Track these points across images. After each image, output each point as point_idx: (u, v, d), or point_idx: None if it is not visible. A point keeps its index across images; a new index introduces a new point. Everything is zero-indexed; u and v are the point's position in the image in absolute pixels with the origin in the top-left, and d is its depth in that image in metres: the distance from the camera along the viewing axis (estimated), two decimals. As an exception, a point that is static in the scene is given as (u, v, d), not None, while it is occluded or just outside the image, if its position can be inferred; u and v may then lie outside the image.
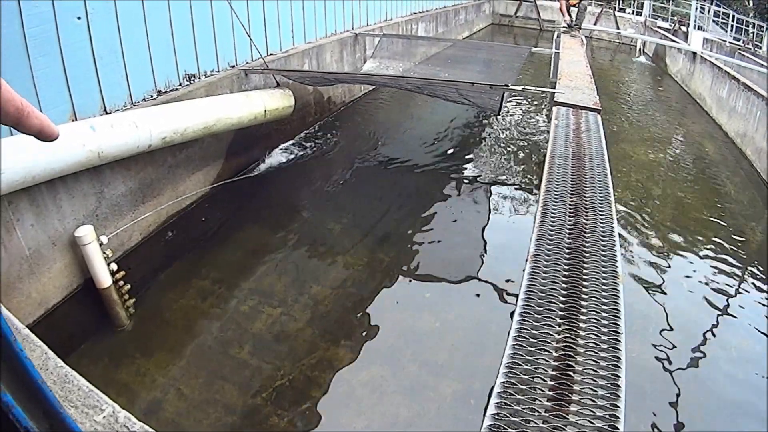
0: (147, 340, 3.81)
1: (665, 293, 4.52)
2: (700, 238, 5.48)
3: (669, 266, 4.94)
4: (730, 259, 5.12)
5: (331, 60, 8.19)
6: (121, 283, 3.96)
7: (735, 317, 4.36)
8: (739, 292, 4.68)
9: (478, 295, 4.36)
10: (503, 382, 1.87)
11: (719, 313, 4.37)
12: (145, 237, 4.76)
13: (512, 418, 1.74)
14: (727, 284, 4.75)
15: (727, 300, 4.54)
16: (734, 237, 5.55)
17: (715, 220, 5.94)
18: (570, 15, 11.10)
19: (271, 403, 3.31)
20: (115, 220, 4.38)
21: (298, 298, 4.25)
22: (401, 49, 9.41)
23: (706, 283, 4.75)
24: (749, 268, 5.07)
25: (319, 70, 7.67)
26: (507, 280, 4.49)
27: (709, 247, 5.32)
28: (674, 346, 3.90)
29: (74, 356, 3.51)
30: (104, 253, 3.85)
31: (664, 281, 4.69)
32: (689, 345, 3.96)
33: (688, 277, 4.82)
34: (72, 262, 4.00)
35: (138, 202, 4.62)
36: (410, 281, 4.52)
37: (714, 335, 4.12)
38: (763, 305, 4.50)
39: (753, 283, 4.84)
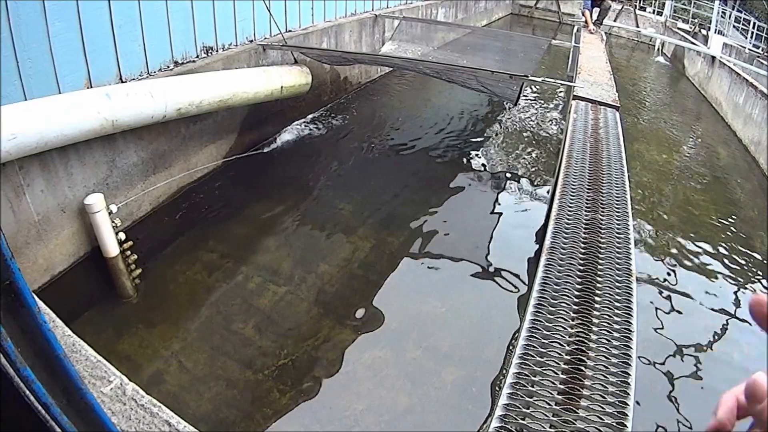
0: (151, 311, 3.81)
1: (670, 295, 4.50)
2: (707, 242, 5.42)
3: (675, 268, 4.91)
4: (736, 266, 5.08)
5: (349, 40, 8.11)
6: (128, 253, 3.96)
7: (738, 322, 4.33)
8: (745, 296, 4.65)
9: (485, 284, 4.34)
10: (516, 373, 1.85)
11: (723, 317, 4.35)
12: (154, 208, 4.75)
13: (523, 410, 1.72)
14: (731, 290, 4.72)
15: (730, 305, 4.51)
16: (741, 244, 5.50)
17: (724, 225, 5.88)
18: (592, 20, 10.68)
19: (273, 379, 3.31)
20: (125, 189, 4.37)
21: (305, 277, 4.24)
22: (420, 33, 9.28)
23: (711, 287, 4.72)
24: (756, 275, 5.03)
25: (338, 49, 7.59)
26: (514, 270, 4.47)
27: (715, 252, 5.27)
28: (679, 349, 3.89)
29: (77, 324, 3.49)
30: (113, 222, 3.84)
31: (669, 283, 4.66)
32: (693, 348, 3.94)
33: (693, 279, 4.79)
34: (80, 229, 4.00)
35: (149, 172, 4.60)
36: (417, 265, 4.50)
37: (718, 338, 4.10)
38: None
39: (758, 290, 4.80)
